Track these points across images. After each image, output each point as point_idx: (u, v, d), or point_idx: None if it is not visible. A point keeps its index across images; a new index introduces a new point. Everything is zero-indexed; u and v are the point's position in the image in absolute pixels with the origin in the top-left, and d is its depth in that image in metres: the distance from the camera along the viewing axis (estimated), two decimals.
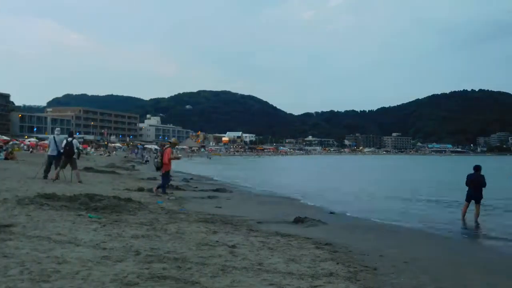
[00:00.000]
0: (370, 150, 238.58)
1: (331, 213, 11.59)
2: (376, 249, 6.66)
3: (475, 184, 11.29)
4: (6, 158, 26.84)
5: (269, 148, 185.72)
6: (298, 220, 9.28)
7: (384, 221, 10.60)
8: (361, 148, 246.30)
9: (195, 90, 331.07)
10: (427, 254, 6.65)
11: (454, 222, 10.94)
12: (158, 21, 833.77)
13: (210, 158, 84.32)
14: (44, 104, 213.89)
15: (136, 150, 70.41)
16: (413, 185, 24.21)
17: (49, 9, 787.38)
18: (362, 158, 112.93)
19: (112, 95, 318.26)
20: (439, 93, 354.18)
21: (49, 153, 15.27)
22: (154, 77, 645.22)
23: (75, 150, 14.65)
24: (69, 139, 14.72)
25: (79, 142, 17.92)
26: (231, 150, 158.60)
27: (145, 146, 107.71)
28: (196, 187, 17.59)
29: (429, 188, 22.55)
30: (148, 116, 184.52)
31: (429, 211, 13.39)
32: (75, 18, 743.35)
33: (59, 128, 18.07)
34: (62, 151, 14.56)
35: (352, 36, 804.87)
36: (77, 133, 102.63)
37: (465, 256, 7.00)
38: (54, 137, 15.39)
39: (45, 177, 14.52)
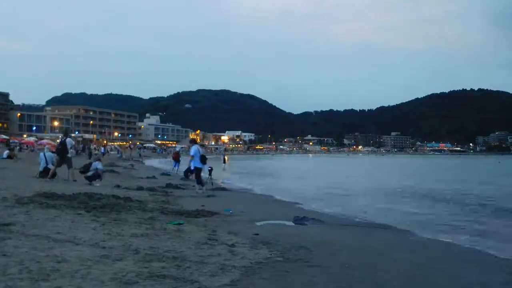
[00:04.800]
0: (369, 149, 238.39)
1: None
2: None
3: None
4: (9, 157, 26.91)
5: (269, 148, 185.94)
6: (297, 219, 9.29)
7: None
8: (360, 147, 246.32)
9: (194, 89, 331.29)
10: None
11: None
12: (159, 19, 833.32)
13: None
14: (43, 103, 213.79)
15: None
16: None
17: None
18: (374, 159, 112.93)
19: (111, 94, 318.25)
20: (438, 92, 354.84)
21: (40, 169, 15.19)
22: (153, 76, 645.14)
23: (69, 149, 14.44)
24: (64, 137, 14.61)
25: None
26: (230, 149, 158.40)
27: (145, 145, 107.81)
28: (194, 186, 17.59)
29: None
30: (147, 115, 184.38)
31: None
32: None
33: (48, 146, 18.12)
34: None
35: (352, 35, 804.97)
36: (76, 132, 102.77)
37: None
38: (44, 154, 15.40)
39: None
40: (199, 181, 14.30)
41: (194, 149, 14.34)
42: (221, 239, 6.38)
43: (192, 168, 14.51)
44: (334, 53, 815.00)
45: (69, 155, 14.47)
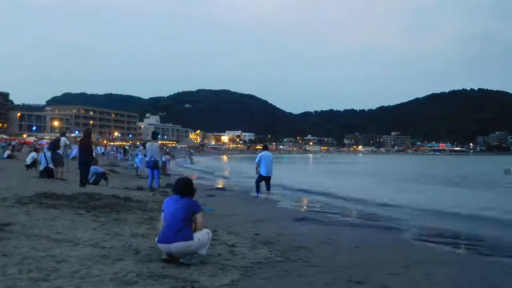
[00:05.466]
0: (369, 149, 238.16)
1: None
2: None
3: None
4: (9, 157, 26.92)
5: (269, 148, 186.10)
6: (298, 219, 9.31)
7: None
8: (360, 147, 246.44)
9: (194, 89, 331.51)
10: None
11: None
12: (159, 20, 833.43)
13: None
14: (43, 103, 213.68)
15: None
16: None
17: None
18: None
19: (111, 94, 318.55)
20: (438, 92, 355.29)
21: (40, 169, 15.35)
22: (153, 76, 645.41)
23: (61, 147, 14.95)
24: (59, 136, 15.47)
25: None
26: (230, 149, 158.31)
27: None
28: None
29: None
30: (147, 115, 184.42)
31: None
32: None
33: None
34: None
35: (352, 35, 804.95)
36: (76, 132, 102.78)
37: None
38: (44, 154, 15.47)
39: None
40: (257, 188, 13.92)
41: (258, 156, 14.13)
42: (221, 239, 6.38)
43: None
44: (334, 53, 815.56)
45: (59, 152, 14.83)
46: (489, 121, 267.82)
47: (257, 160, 13.94)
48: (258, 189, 13.84)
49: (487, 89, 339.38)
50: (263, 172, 13.69)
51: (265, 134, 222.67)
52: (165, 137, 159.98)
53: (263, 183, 13.94)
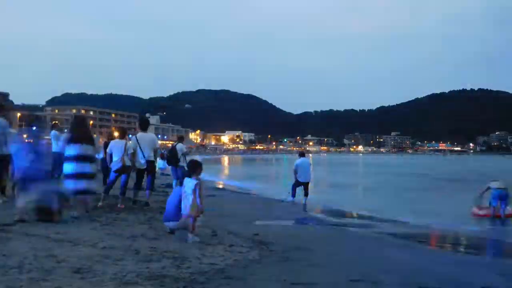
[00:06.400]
0: (369, 149, 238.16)
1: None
2: None
3: None
4: None
5: (269, 148, 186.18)
6: (298, 220, 9.32)
7: None
8: (360, 147, 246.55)
9: (194, 89, 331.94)
10: None
11: None
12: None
13: None
14: (43, 103, 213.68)
15: None
16: None
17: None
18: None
19: (111, 94, 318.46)
20: (438, 92, 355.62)
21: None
22: (153, 76, 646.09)
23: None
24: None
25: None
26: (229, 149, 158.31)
27: None
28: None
29: None
30: (147, 115, 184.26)
31: None
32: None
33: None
34: None
35: (352, 34, 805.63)
36: None
37: None
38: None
39: None
40: (293, 192, 13.69)
41: (296, 162, 13.78)
42: (221, 239, 6.38)
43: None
44: (333, 51, 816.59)
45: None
46: (489, 121, 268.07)
47: (294, 167, 13.77)
48: (294, 194, 13.64)
49: (487, 89, 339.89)
50: (301, 178, 13.57)
51: (265, 134, 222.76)
52: (165, 137, 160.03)
53: (300, 188, 13.74)
